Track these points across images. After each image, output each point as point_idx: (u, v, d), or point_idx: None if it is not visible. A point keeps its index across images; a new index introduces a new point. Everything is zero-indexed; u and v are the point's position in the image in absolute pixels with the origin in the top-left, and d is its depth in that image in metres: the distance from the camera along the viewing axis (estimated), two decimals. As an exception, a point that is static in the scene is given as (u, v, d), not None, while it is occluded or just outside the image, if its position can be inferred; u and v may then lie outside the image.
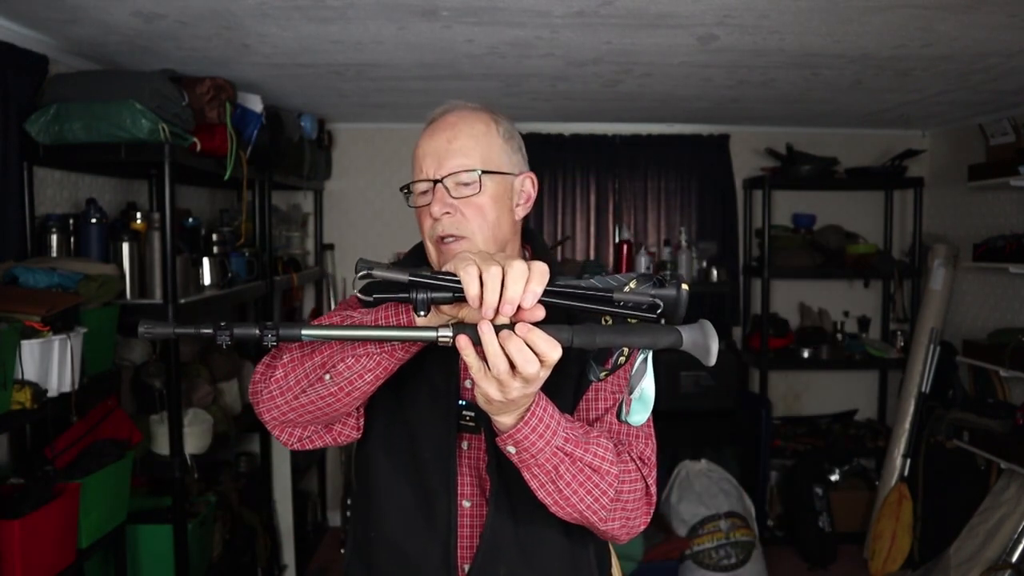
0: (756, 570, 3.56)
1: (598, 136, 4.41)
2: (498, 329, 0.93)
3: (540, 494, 1.09)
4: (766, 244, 4.18)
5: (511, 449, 1.05)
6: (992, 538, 3.23)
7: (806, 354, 4.30)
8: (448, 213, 1.19)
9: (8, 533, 1.79)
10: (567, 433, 1.07)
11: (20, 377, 1.89)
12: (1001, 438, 3.35)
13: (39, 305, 1.95)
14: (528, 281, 0.93)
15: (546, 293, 0.95)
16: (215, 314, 3.66)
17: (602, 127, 4.41)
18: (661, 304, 0.97)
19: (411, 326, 1.00)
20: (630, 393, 1.01)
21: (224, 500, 3.05)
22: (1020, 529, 3.17)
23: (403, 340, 0.98)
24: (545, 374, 0.96)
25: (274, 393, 1.11)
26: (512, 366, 0.94)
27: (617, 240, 4.36)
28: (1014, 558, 3.13)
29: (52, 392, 1.99)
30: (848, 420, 4.49)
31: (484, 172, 1.20)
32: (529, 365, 0.93)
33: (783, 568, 3.92)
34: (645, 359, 1.01)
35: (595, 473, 1.09)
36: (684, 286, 0.97)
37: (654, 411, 1.27)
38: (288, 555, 3.64)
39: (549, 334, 0.94)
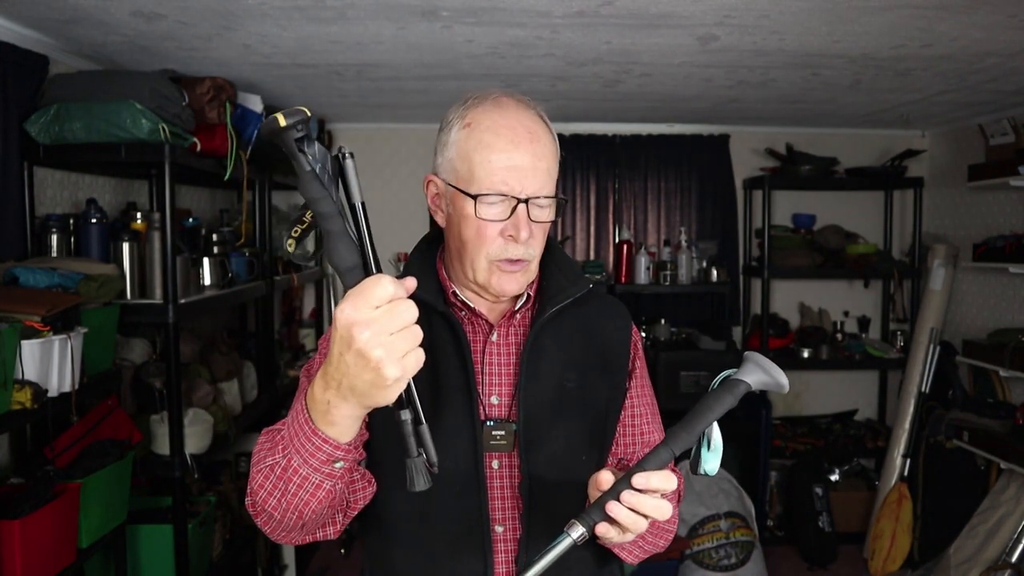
0: (756, 570, 3.56)
1: (598, 136, 4.42)
2: (617, 494, 0.92)
3: (623, 555, 1.15)
4: (766, 244, 4.18)
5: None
6: (992, 538, 3.23)
7: (806, 354, 4.30)
8: (531, 237, 1.11)
9: (8, 533, 1.79)
10: None
11: (20, 377, 1.88)
12: (1001, 438, 3.34)
13: (39, 305, 1.95)
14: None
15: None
16: (215, 313, 3.67)
17: (602, 127, 4.41)
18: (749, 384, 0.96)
19: (548, 548, 0.94)
20: (708, 449, 1.01)
21: (224, 500, 3.05)
22: (1020, 529, 3.16)
23: (554, 559, 0.93)
24: None
25: (263, 520, 1.02)
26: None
27: (617, 240, 4.36)
28: (1014, 558, 3.13)
29: (52, 392, 1.99)
30: (848, 420, 4.49)
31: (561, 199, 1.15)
32: (664, 511, 0.93)
33: (783, 568, 3.92)
34: None
35: (666, 522, 1.16)
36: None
37: (661, 411, 1.28)
38: (288, 555, 3.64)
39: (655, 467, 0.93)
